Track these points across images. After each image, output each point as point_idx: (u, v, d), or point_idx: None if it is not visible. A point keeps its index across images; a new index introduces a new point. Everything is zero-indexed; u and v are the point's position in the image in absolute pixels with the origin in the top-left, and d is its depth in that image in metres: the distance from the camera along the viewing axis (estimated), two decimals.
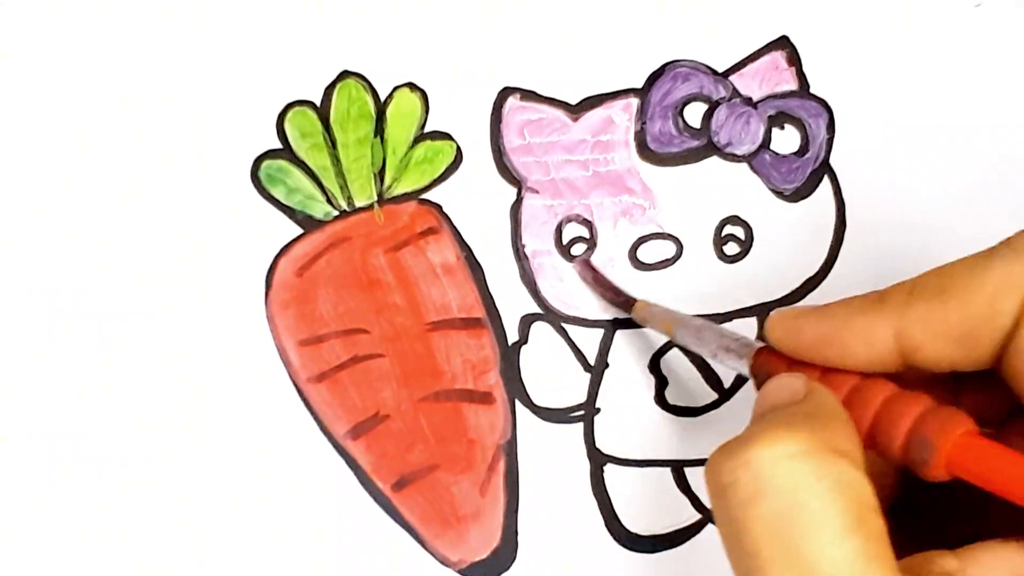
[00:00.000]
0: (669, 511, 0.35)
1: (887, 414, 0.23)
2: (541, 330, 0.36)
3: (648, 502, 0.35)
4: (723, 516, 0.22)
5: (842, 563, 0.20)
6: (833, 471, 0.21)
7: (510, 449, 0.35)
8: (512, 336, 0.36)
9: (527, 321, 0.36)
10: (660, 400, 0.35)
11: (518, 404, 0.35)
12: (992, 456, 0.21)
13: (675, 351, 0.35)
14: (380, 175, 0.36)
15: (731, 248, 0.36)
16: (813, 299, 0.35)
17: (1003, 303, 0.22)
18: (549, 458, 0.35)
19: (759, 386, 0.25)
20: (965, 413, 0.22)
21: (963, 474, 0.22)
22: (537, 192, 0.36)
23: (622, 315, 0.35)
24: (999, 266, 0.23)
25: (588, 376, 0.36)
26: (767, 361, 0.26)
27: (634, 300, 0.34)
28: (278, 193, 0.36)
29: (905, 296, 0.24)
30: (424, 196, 0.36)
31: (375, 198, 0.36)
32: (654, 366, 0.35)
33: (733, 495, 0.21)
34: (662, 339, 0.36)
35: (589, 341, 0.36)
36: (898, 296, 0.24)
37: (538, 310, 0.36)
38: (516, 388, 0.35)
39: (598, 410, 0.36)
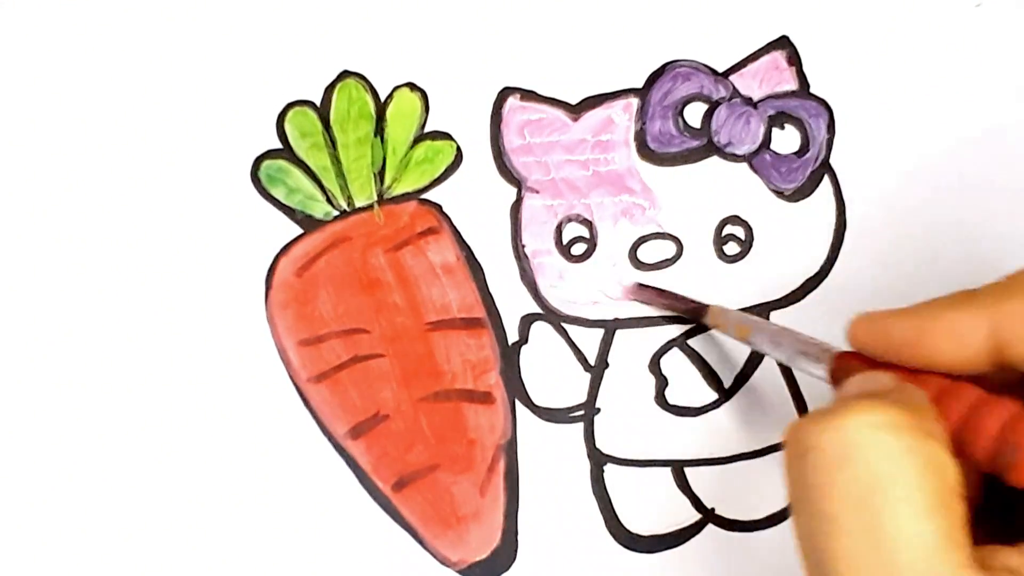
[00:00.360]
0: (669, 511, 0.35)
1: (974, 417, 0.23)
2: (541, 330, 0.36)
3: (648, 502, 0.35)
4: (801, 479, 0.22)
5: (921, 542, 0.20)
6: (924, 449, 0.21)
7: (510, 449, 0.35)
8: (512, 336, 0.36)
9: (527, 321, 0.36)
10: (660, 400, 0.35)
11: (518, 404, 0.35)
12: None
13: (675, 351, 0.35)
14: (380, 175, 0.36)
15: (731, 248, 0.36)
16: (813, 299, 0.35)
17: None
18: (549, 458, 0.35)
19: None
20: None
21: None
22: (537, 192, 0.36)
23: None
24: None
25: (588, 376, 0.36)
26: (848, 365, 0.26)
27: (706, 306, 0.34)
28: (278, 193, 0.36)
29: (1000, 290, 0.23)
30: (424, 196, 0.36)
31: (375, 198, 0.36)
32: (654, 366, 0.35)
33: (817, 458, 0.21)
34: (662, 339, 0.36)
35: (589, 341, 0.36)
36: (992, 291, 0.23)
37: (538, 310, 0.36)
38: (516, 388, 0.35)
39: (598, 410, 0.36)
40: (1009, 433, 0.22)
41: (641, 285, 0.35)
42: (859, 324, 0.26)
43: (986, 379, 0.24)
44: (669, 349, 0.35)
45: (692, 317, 0.34)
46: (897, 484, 0.20)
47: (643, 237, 0.36)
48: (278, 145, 0.36)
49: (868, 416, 0.21)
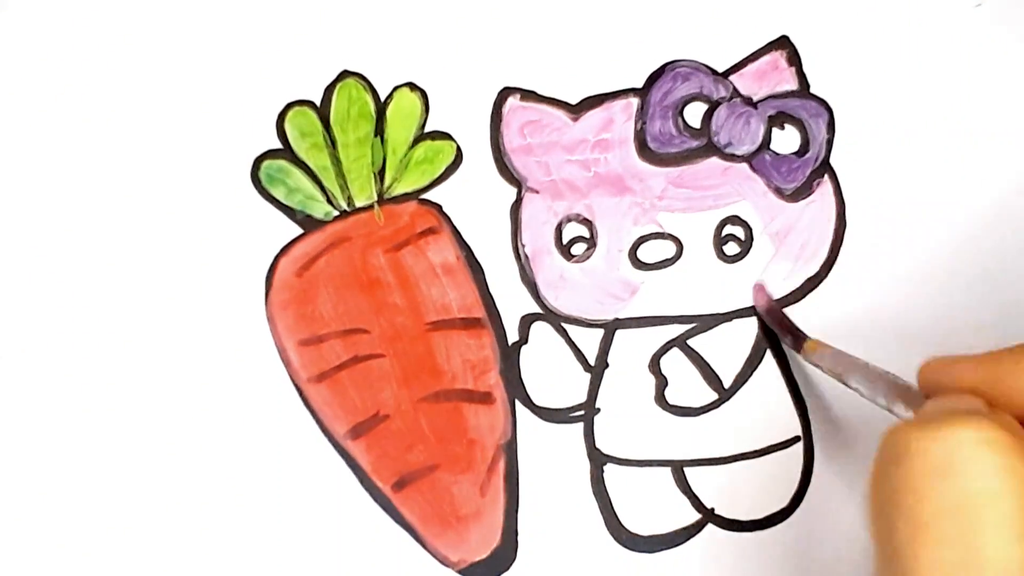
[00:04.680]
0: (669, 511, 0.35)
1: None
2: (541, 330, 0.36)
3: (648, 502, 0.35)
4: (894, 484, 0.22)
5: (1010, 565, 0.20)
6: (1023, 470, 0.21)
7: (510, 449, 0.35)
8: (512, 336, 0.36)
9: (527, 321, 0.36)
10: (660, 400, 0.35)
11: (518, 404, 0.35)
12: None
13: (675, 351, 0.35)
14: (380, 175, 0.36)
15: (731, 248, 0.36)
16: (813, 299, 0.35)
17: None
18: (549, 458, 0.35)
19: None
20: None
21: None
22: (537, 192, 0.36)
23: (621, 316, 0.35)
24: None
25: (588, 376, 0.36)
26: None
27: (805, 338, 0.33)
28: (278, 193, 0.36)
29: None
30: (424, 196, 0.36)
31: (375, 198, 0.36)
32: (654, 366, 0.35)
33: (919, 464, 0.21)
34: (662, 339, 0.36)
35: (589, 341, 0.36)
36: None
37: (538, 310, 0.36)
38: (516, 388, 0.35)
39: (598, 410, 0.36)
40: None
41: (763, 289, 0.35)
42: (929, 369, 0.26)
43: None
44: (669, 349, 0.35)
45: (788, 342, 0.34)
46: (995, 503, 0.21)
47: (643, 237, 0.36)
48: (278, 145, 0.36)
49: (974, 431, 0.21)
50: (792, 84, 0.36)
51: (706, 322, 0.36)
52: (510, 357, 0.36)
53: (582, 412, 0.36)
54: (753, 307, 0.36)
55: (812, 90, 0.36)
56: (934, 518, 0.21)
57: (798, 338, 0.34)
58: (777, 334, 0.35)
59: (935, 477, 0.21)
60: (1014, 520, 0.20)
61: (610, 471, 0.35)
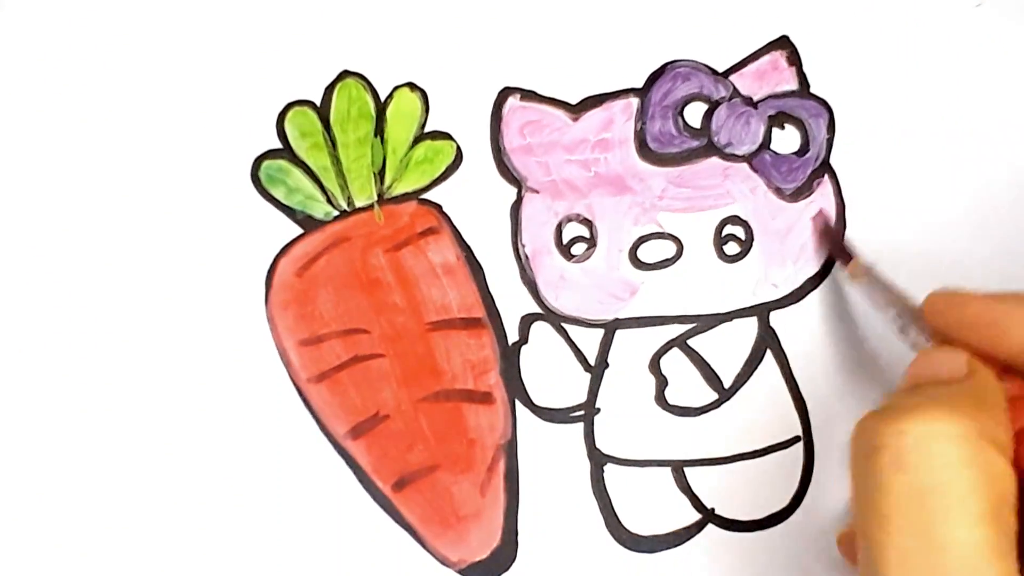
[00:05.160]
0: (669, 511, 0.35)
1: None
2: (541, 330, 0.36)
3: (648, 502, 0.35)
4: (863, 476, 0.23)
5: (970, 548, 0.21)
6: (984, 460, 0.22)
7: (510, 449, 0.35)
8: (512, 336, 0.36)
9: (527, 321, 0.36)
10: (660, 400, 0.35)
11: (518, 404, 0.35)
12: None
13: (675, 351, 0.35)
14: (380, 175, 0.36)
15: (731, 248, 0.36)
16: (813, 299, 0.35)
17: None
18: (549, 458, 0.35)
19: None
20: None
21: None
22: (537, 192, 0.36)
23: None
24: None
25: (588, 376, 0.36)
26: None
27: (851, 260, 0.34)
28: (278, 193, 0.36)
29: None
30: (424, 196, 0.36)
31: (375, 198, 0.36)
32: (654, 366, 0.35)
33: (880, 458, 0.22)
34: (662, 339, 0.36)
35: (589, 341, 0.36)
36: None
37: (538, 310, 0.36)
38: (516, 388, 0.35)
39: (598, 410, 0.35)
40: None
41: (823, 216, 0.36)
42: (938, 297, 0.27)
43: None
44: (669, 349, 0.35)
45: (837, 257, 0.35)
46: (951, 492, 0.21)
47: (643, 237, 0.36)
48: (278, 145, 0.36)
49: (932, 424, 0.22)
50: (792, 84, 0.36)
51: (706, 322, 0.36)
52: (510, 357, 0.36)
53: (582, 412, 0.36)
54: (753, 307, 0.36)
55: (812, 90, 0.36)
56: (895, 509, 0.22)
57: (845, 258, 0.34)
58: (832, 253, 0.35)
59: (894, 471, 0.22)
60: (970, 506, 0.21)
61: (610, 471, 0.35)
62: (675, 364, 0.35)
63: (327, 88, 0.36)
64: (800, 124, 0.36)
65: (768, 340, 0.35)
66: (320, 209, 0.36)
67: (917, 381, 0.25)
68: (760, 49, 0.36)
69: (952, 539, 0.21)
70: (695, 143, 0.36)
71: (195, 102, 0.36)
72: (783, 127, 0.36)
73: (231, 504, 0.35)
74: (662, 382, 0.35)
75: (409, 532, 0.35)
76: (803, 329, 0.35)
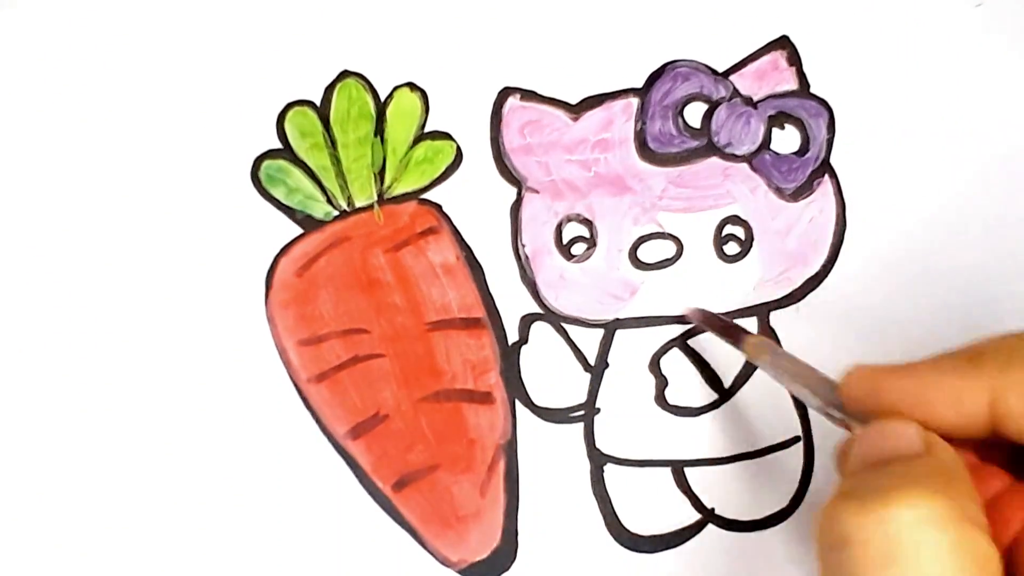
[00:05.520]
0: (669, 511, 0.35)
1: (1003, 508, 0.23)
2: (541, 330, 0.36)
3: (648, 502, 0.35)
4: (841, 569, 0.21)
5: None
6: (970, 543, 0.20)
7: (510, 449, 0.35)
8: (512, 336, 0.36)
9: (527, 321, 0.36)
10: (660, 400, 0.35)
11: (518, 404, 0.35)
12: None
13: (675, 351, 0.35)
14: (380, 175, 0.36)
15: (731, 248, 0.36)
16: (813, 299, 0.35)
17: None
18: (549, 458, 0.35)
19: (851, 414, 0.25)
20: None
21: None
22: (537, 192, 0.36)
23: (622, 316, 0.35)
24: None
25: (588, 376, 0.36)
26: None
27: (745, 337, 0.32)
28: (278, 193, 0.36)
29: (1004, 360, 0.22)
30: (424, 196, 0.36)
31: (375, 198, 0.36)
32: (654, 366, 0.35)
33: (863, 553, 0.20)
34: (662, 339, 0.36)
35: (589, 341, 0.36)
36: (995, 359, 0.23)
37: (538, 310, 0.36)
38: (516, 388, 0.35)
39: (598, 410, 0.35)
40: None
41: (698, 312, 0.35)
42: (851, 379, 0.25)
43: (968, 444, 0.23)
44: (669, 349, 0.35)
45: (725, 338, 0.33)
46: None
47: (643, 237, 0.36)
48: (278, 145, 0.36)
49: (913, 510, 0.20)
50: (792, 84, 0.36)
51: None
52: (510, 357, 0.36)
53: (582, 412, 0.36)
54: (753, 307, 0.36)
55: (812, 90, 0.36)
56: None
57: (737, 338, 0.32)
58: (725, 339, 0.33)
59: (882, 566, 0.20)
60: None
61: (610, 471, 0.35)
62: (675, 364, 0.35)
63: (327, 88, 0.36)
64: (800, 124, 0.36)
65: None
66: (320, 209, 0.36)
67: (869, 460, 0.23)
68: (760, 49, 0.36)
69: None
70: (695, 143, 0.36)
71: (195, 102, 0.36)
72: (783, 127, 0.36)
73: (231, 504, 0.35)
74: (662, 382, 0.35)
75: (409, 532, 0.35)
76: (803, 329, 0.35)
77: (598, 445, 0.35)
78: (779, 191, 0.36)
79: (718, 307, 0.36)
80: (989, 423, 0.23)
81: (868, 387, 0.24)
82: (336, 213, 0.36)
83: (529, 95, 0.36)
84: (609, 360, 0.36)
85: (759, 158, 0.36)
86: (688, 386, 0.35)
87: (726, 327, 0.33)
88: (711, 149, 0.36)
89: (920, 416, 0.23)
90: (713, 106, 0.36)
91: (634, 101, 0.36)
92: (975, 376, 0.23)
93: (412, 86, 0.36)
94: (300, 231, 0.36)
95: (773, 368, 0.30)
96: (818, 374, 0.28)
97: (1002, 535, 0.23)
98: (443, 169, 0.36)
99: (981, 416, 0.23)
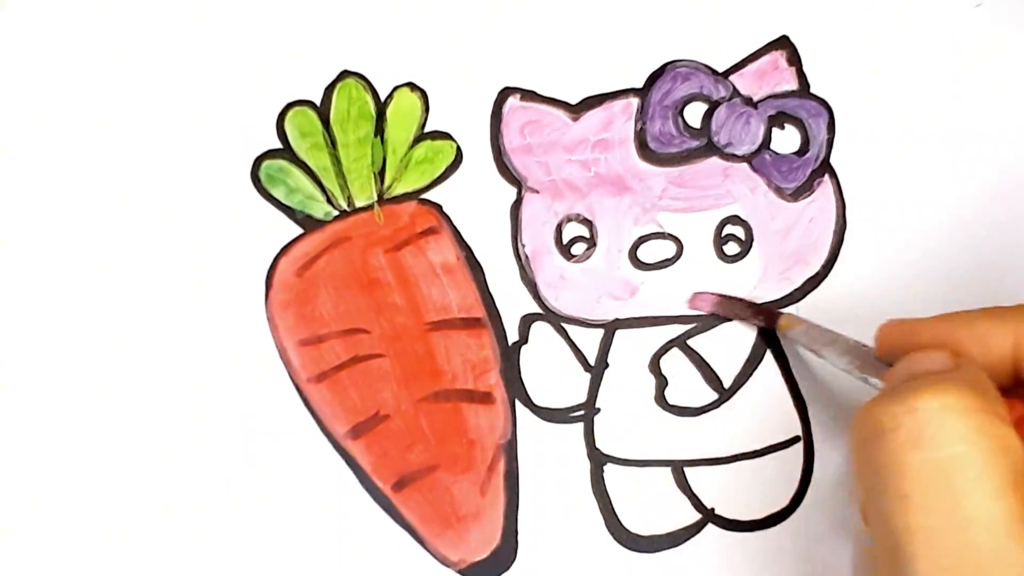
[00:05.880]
0: (669, 511, 0.35)
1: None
2: (541, 330, 0.36)
3: (648, 502, 0.35)
4: (872, 461, 0.22)
5: (996, 520, 0.21)
6: (997, 432, 0.22)
7: (510, 449, 0.35)
8: (512, 336, 0.36)
9: (527, 321, 0.36)
10: (660, 400, 0.35)
11: (518, 404, 0.35)
12: None
13: (675, 351, 0.35)
14: (380, 175, 0.36)
15: (731, 248, 0.36)
16: (813, 299, 0.35)
17: None
18: (549, 458, 0.35)
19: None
20: None
21: None
22: (537, 192, 0.36)
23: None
24: None
25: (588, 376, 0.36)
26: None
27: (779, 315, 0.34)
28: (278, 193, 0.36)
29: None
30: (424, 196, 0.36)
31: (375, 198, 0.36)
32: (654, 366, 0.35)
33: (893, 439, 0.22)
34: (662, 339, 0.36)
35: (589, 341, 0.36)
36: (1020, 311, 0.25)
37: (538, 310, 0.36)
38: (516, 388, 0.35)
39: (598, 410, 0.35)
40: None
41: (696, 296, 0.35)
42: (889, 328, 0.27)
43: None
44: (669, 349, 0.35)
45: (761, 321, 0.34)
46: (970, 465, 0.21)
47: (643, 237, 0.36)
48: (278, 145, 0.36)
49: (941, 398, 0.22)
50: (792, 84, 0.36)
51: (706, 322, 0.36)
52: (510, 357, 0.36)
53: (582, 412, 0.36)
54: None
55: (812, 90, 0.36)
56: (917, 488, 0.21)
57: (771, 316, 0.34)
58: (749, 321, 0.35)
59: (909, 449, 0.22)
60: (990, 478, 0.21)
61: (610, 471, 0.35)
62: (675, 364, 0.35)
63: (327, 88, 0.36)
64: (800, 124, 0.36)
65: (768, 340, 0.35)
66: (320, 209, 0.36)
67: (909, 376, 0.25)
68: (760, 49, 0.36)
69: (979, 512, 0.21)
70: (695, 143, 0.36)
71: (195, 102, 0.36)
72: (783, 127, 0.36)
73: (231, 504, 0.35)
74: (662, 382, 0.35)
75: (409, 532, 0.35)
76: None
77: (598, 445, 0.35)
78: (779, 191, 0.36)
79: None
80: (1013, 368, 0.24)
81: (903, 332, 0.26)
82: (336, 213, 0.36)
83: (529, 95, 0.36)
84: (609, 360, 0.36)
85: (759, 158, 0.36)
86: (688, 386, 0.35)
87: (750, 306, 0.35)
88: (711, 149, 0.36)
89: None
90: (713, 106, 0.36)
91: (634, 101, 0.36)
92: (1003, 322, 0.25)
93: (412, 86, 0.36)
94: (300, 231, 0.36)
95: (807, 336, 0.32)
96: (851, 340, 0.30)
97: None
98: (443, 169, 0.36)
99: (1007, 360, 0.24)
